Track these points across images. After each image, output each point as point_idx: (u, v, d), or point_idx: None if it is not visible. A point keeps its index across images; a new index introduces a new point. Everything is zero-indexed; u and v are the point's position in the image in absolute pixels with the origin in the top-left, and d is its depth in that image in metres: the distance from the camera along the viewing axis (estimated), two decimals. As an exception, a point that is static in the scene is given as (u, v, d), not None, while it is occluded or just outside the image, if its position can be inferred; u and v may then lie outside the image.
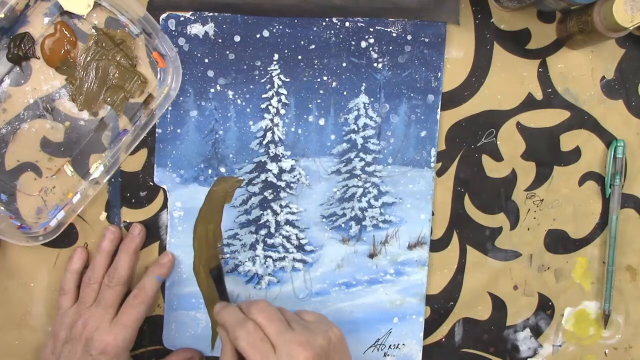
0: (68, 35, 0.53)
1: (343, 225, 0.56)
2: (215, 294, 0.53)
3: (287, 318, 0.46)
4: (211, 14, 0.54)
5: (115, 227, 0.54)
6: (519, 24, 0.55)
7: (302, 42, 0.54)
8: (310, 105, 0.55)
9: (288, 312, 0.47)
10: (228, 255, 0.56)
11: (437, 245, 0.57)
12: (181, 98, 0.54)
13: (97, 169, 0.53)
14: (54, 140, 0.54)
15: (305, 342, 0.43)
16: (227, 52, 0.54)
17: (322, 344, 0.44)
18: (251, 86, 0.54)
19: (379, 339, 0.57)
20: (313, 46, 0.54)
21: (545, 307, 0.58)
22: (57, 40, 0.53)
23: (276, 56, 0.54)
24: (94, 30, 0.53)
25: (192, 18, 0.54)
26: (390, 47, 0.55)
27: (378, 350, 0.57)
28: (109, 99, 0.53)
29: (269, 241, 0.56)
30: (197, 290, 0.56)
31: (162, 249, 0.56)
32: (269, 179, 0.55)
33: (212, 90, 0.54)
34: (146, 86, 0.54)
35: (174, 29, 0.54)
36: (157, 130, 0.54)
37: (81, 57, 0.53)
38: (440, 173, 0.56)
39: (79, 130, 0.54)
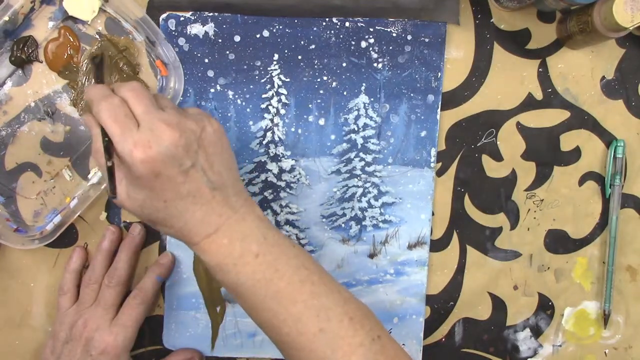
0: (72, 40, 0.53)
1: (343, 225, 0.56)
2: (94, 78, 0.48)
3: (161, 104, 0.42)
4: (211, 14, 0.54)
5: (115, 227, 0.54)
6: (519, 24, 0.55)
7: (302, 42, 0.54)
8: (310, 105, 0.55)
9: (165, 100, 0.43)
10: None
11: (437, 245, 0.57)
12: (181, 98, 0.54)
13: (95, 174, 0.53)
14: (54, 143, 0.54)
15: (174, 122, 0.39)
16: (227, 52, 0.54)
17: (193, 129, 0.40)
18: (251, 86, 0.55)
19: (379, 339, 0.57)
20: (313, 46, 0.54)
21: (545, 307, 0.58)
22: (61, 45, 0.53)
23: (276, 56, 0.54)
24: (97, 37, 0.53)
25: (192, 18, 0.54)
26: (390, 47, 0.55)
27: (378, 350, 0.57)
28: (109, 103, 0.54)
29: (269, 241, 0.56)
30: (197, 290, 0.56)
31: (162, 249, 0.56)
32: (269, 179, 0.55)
33: (212, 90, 0.54)
34: None
35: (174, 29, 0.54)
36: (157, 130, 0.54)
37: (84, 63, 0.53)
38: (440, 173, 0.56)
39: (79, 135, 0.54)
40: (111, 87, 0.43)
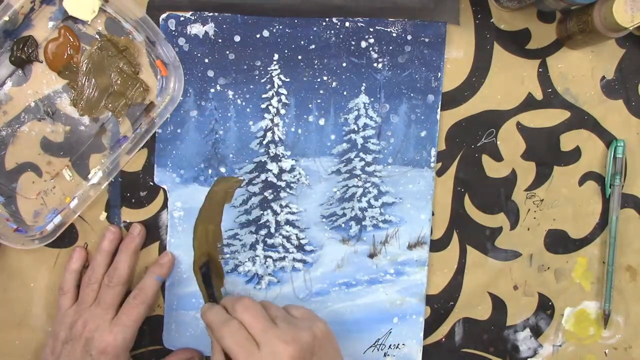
0: (72, 40, 0.53)
1: (343, 225, 0.56)
2: (205, 292, 0.53)
3: (271, 314, 0.46)
4: (211, 14, 0.54)
5: (115, 227, 0.54)
6: (519, 24, 0.55)
7: (302, 42, 0.54)
8: (310, 105, 0.55)
9: (273, 308, 0.47)
10: (228, 255, 0.56)
11: (437, 245, 0.57)
12: (181, 98, 0.54)
13: (95, 174, 0.53)
14: (54, 143, 0.54)
15: (290, 338, 0.43)
16: (227, 52, 0.54)
17: (307, 340, 0.44)
18: (251, 86, 0.55)
19: (379, 339, 0.57)
20: (313, 46, 0.54)
21: (545, 307, 0.58)
22: (61, 45, 0.53)
23: (276, 56, 0.54)
24: (97, 37, 0.53)
25: (192, 18, 0.54)
26: (390, 47, 0.55)
27: (378, 350, 0.57)
28: (110, 105, 0.54)
29: (269, 241, 0.56)
30: (197, 290, 0.56)
31: (162, 249, 0.56)
32: (269, 179, 0.55)
33: (212, 90, 0.54)
34: (148, 93, 0.54)
35: (174, 29, 0.54)
36: (157, 130, 0.54)
37: (84, 63, 0.53)
38: (440, 173, 0.56)
39: (79, 135, 0.54)
40: (223, 305, 0.47)
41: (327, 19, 0.54)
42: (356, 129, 0.55)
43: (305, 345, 0.44)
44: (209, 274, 0.54)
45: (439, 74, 0.55)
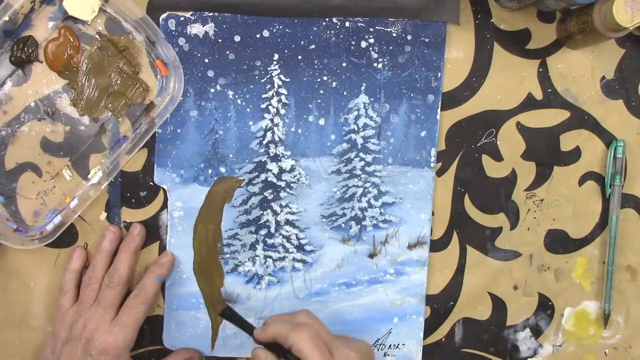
0: (71, 40, 0.53)
1: (343, 225, 0.56)
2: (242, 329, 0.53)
3: (326, 342, 0.47)
4: (211, 14, 0.54)
5: (115, 227, 0.54)
6: (519, 24, 0.55)
7: (302, 42, 0.54)
8: (310, 105, 0.55)
9: (325, 331, 0.48)
10: (228, 255, 0.56)
11: (437, 245, 0.57)
12: (181, 98, 0.54)
13: (95, 174, 0.53)
14: (54, 143, 0.54)
15: (355, 347, 0.46)
16: (227, 52, 0.54)
17: (367, 351, 0.48)
18: (251, 86, 0.55)
19: (379, 339, 0.57)
20: (313, 46, 0.54)
21: (545, 307, 0.58)
22: (61, 45, 0.53)
23: (276, 56, 0.54)
24: (97, 37, 0.53)
25: (192, 18, 0.54)
26: (390, 47, 0.55)
27: (378, 350, 0.57)
28: (110, 105, 0.54)
29: (269, 241, 0.56)
30: (197, 290, 0.56)
31: (162, 249, 0.56)
32: (269, 179, 0.55)
33: (212, 90, 0.54)
34: (148, 93, 0.54)
35: (174, 29, 0.54)
36: (157, 130, 0.54)
37: (84, 63, 0.53)
38: (440, 173, 0.56)
39: (79, 135, 0.54)
40: (282, 317, 0.49)
41: (327, 19, 0.54)
42: (356, 129, 0.55)
43: (366, 350, 0.48)
44: (234, 314, 0.53)
45: (439, 74, 0.55)
